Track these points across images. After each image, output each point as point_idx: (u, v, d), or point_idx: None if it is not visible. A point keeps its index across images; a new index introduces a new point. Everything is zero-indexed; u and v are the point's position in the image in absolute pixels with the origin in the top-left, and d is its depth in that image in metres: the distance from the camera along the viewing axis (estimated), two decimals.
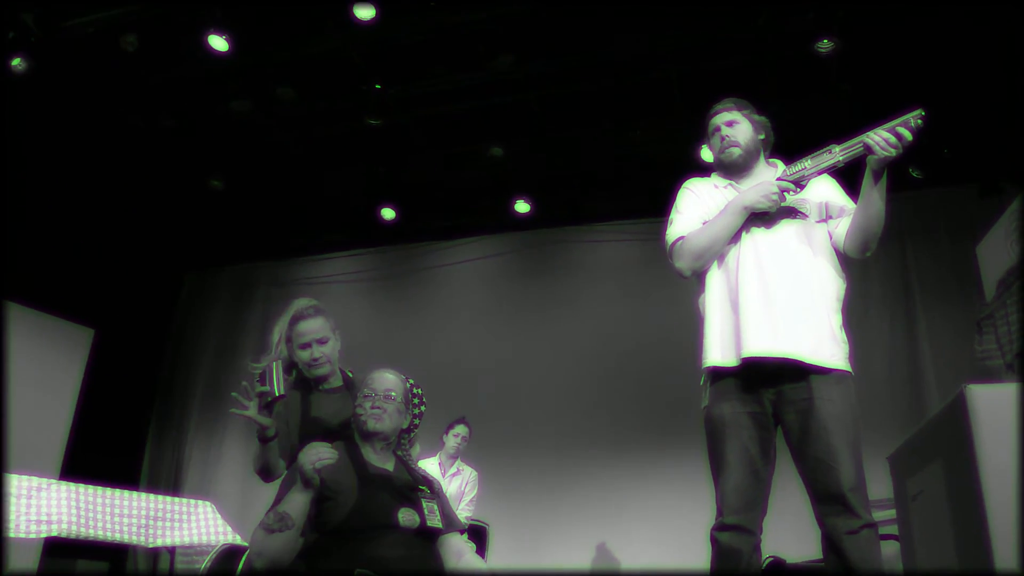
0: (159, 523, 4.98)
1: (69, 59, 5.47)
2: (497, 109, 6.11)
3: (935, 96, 5.58)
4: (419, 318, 7.31)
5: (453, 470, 5.44)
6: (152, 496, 5.14)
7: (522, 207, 6.86)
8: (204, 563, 4.49)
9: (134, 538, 4.83)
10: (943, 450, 1.23)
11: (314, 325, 2.98)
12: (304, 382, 3.04)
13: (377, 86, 5.73)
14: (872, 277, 6.33)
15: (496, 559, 5.60)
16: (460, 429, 5.44)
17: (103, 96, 5.88)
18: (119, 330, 7.21)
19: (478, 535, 5.46)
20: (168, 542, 5.05)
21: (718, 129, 2.75)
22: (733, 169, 2.74)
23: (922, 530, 1.38)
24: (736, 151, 2.71)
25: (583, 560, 6.20)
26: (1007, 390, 1.13)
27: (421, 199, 7.12)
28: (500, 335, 7.07)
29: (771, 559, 4.27)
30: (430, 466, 5.27)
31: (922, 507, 1.35)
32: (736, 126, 2.74)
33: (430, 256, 7.50)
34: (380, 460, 2.52)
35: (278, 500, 2.41)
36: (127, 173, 6.71)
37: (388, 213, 7.05)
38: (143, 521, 4.90)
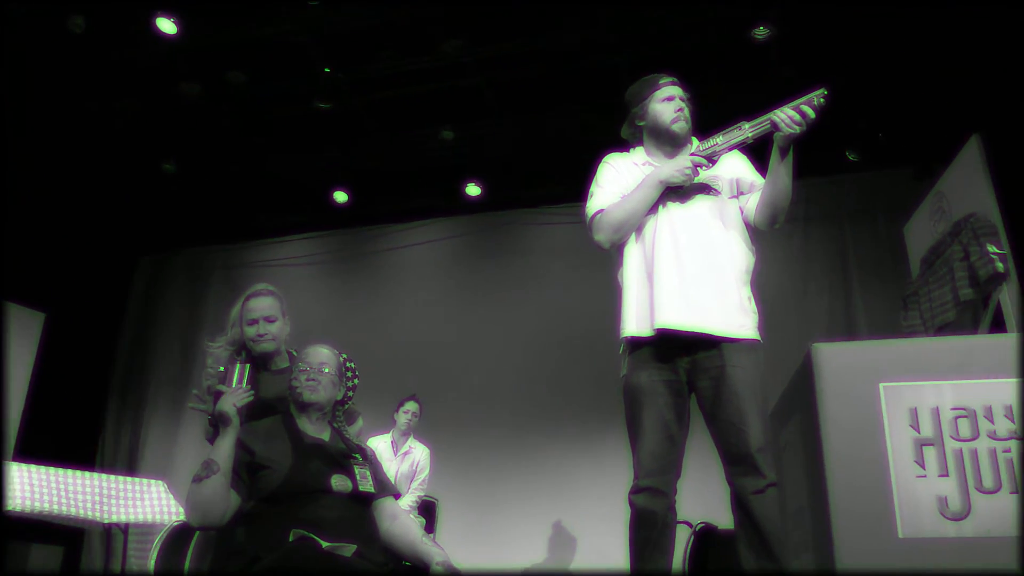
0: (112, 501, 5.03)
1: (16, 41, 5.44)
2: (447, 93, 6.18)
3: (871, 81, 5.80)
4: (372, 300, 7.38)
5: (405, 448, 5.51)
6: (105, 475, 5.18)
7: (473, 190, 6.95)
8: (155, 541, 4.56)
9: (87, 513, 4.88)
10: (798, 404, 1.37)
11: (264, 303, 3.10)
12: (253, 363, 3.13)
13: (327, 70, 5.77)
14: (813, 256, 6.54)
15: (445, 534, 5.72)
16: (410, 406, 5.53)
17: (51, 78, 5.85)
18: (72, 314, 7.18)
19: (427, 510, 5.57)
20: (121, 519, 5.10)
21: (673, 99, 2.80)
22: (672, 141, 2.81)
23: (788, 477, 1.53)
24: (687, 126, 2.80)
25: (533, 536, 6.34)
26: (849, 347, 1.26)
27: (373, 182, 7.17)
28: (453, 316, 7.18)
29: (702, 525, 4.44)
30: (381, 444, 5.36)
31: (788, 456, 1.49)
32: (687, 105, 2.84)
33: (383, 239, 7.56)
34: (315, 431, 2.62)
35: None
36: (78, 156, 6.67)
37: (340, 196, 7.10)
38: (96, 499, 4.95)
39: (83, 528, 6.46)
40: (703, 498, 3.97)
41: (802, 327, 6.03)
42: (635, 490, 2.55)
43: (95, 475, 5.12)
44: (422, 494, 5.50)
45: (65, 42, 5.40)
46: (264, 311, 3.08)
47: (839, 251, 6.51)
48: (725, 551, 4.13)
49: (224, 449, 2.44)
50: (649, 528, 2.50)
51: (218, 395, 2.66)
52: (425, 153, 6.80)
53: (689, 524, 4.39)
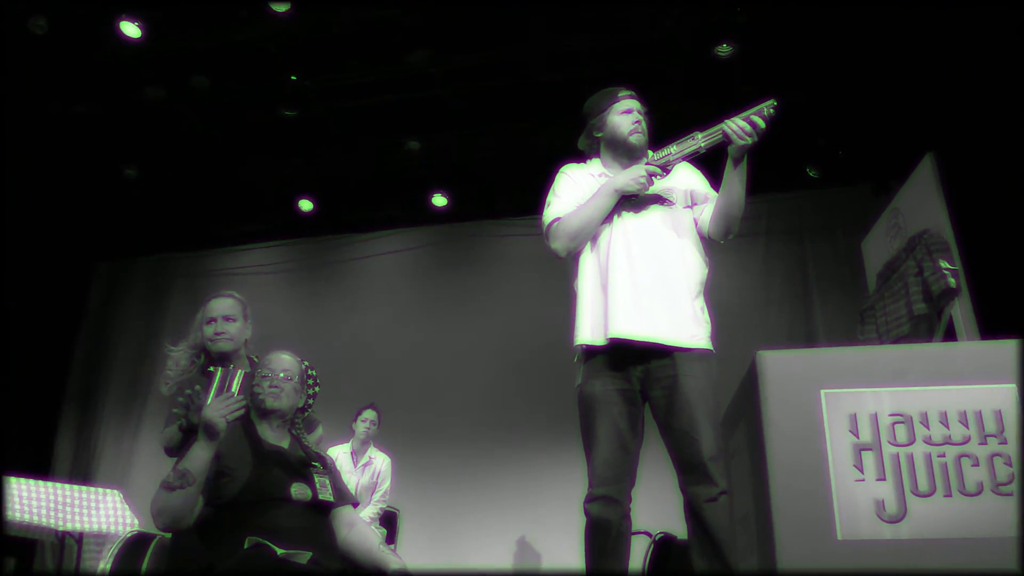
0: (66, 510, 4.95)
1: None
2: (414, 103, 6.20)
3: (831, 99, 5.92)
4: (337, 309, 7.35)
5: (364, 459, 5.45)
6: (59, 484, 5.09)
7: (439, 201, 6.96)
8: (111, 551, 4.49)
9: (41, 521, 4.79)
10: (745, 411, 1.41)
11: (224, 303, 3.09)
12: (213, 366, 3.11)
13: (293, 77, 5.76)
14: (774, 269, 6.64)
15: (406, 545, 5.70)
16: (368, 414, 5.48)
17: (11, 79, 5.76)
18: (27, 320, 7.06)
19: (389, 521, 5.54)
20: (75, 527, 5.01)
21: (631, 111, 2.84)
22: (629, 153, 2.85)
23: (737, 483, 1.56)
24: (644, 138, 2.84)
25: (495, 547, 6.34)
26: (792, 355, 1.30)
27: (339, 191, 7.16)
28: (417, 327, 7.17)
29: (662, 535, 4.48)
30: (341, 455, 5.32)
31: (737, 462, 1.52)
32: (645, 118, 2.88)
33: (348, 248, 7.53)
34: (275, 438, 2.61)
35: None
36: (38, 159, 6.58)
37: (306, 205, 7.08)
38: (50, 507, 4.86)
39: (36, 538, 6.34)
40: (663, 508, 4.00)
41: (763, 339, 6.11)
42: (589, 498, 2.56)
43: (49, 484, 5.03)
44: (384, 505, 5.44)
45: (26, 43, 5.33)
46: (223, 311, 3.07)
47: (800, 265, 6.62)
48: (684, 560, 4.16)
49: (201, 461, 2.38)
50: (604, 536, 2.52)
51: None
52: (391, 163, 6.80)
53: (649, 534, 4.42)
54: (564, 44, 5.63)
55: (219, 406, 2.42)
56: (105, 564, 4.41)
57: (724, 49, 5.29)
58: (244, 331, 3.10)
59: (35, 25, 5.16)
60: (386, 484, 5.48)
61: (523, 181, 6.88)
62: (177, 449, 2.95)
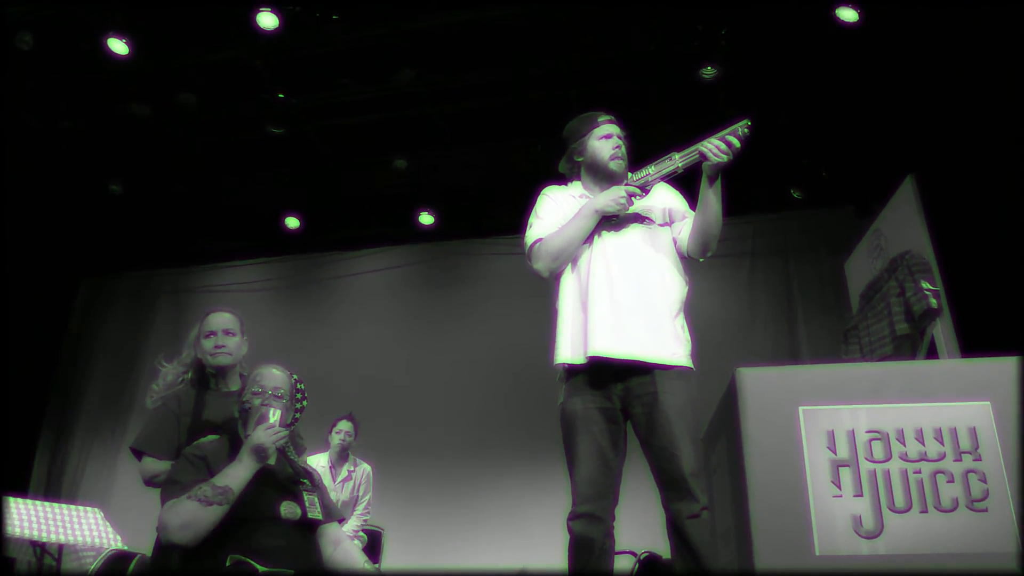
0: (45, 526, 4.91)
1: None
2: (401, 122, 6.23)
3: (815, 122, 5.99)
4: (323, 327, 7.33)
5: (343, 474, 5.31)
6: (39, 502, 5.05)
7: (426, 219, 6.98)
8: (92, 567, 4.46)
9: (17, 531, 4.74)
10: (725, 428, 1.42)
11: (224, 317, 3.08)
12: (202, 382, 3.09)
13: (280, 95, 5.78)
14: (758, 288, 6.69)
15: (390, 563, 5.66)
16: (343, 425, 5.32)
17: None
18: (8, 335, 6.99)
19: (372, 540, 5.49)
20: (54, 540, 4.96)
21: (611, 136, 2.89)
22: (609, 178, 2.89)
23: (718, 499, 1.57)
24: (624, 163, 2.89)
25: (477, 563, 6.30)
26: (771, 372, 1.32)
27: (325, 209, 7.17)
28: (403, 345, 7.16)
29: (647, 554, 4.48)
30: (319, 468, 5.24)
31: (717, 478, 1.54)
32: (624, 143, 2.93)
33: (334, 266, 7.53)
34: None
35: (172, 480, 2.46)
36: (22, 174, 6.55)
37: (292, 222, 7.08)
38: (29, 523, 4.82)
39: (14, 557, 6.26)
40: (648, 527, 4.00)
41: (747, 357, 6.12)
42: (573, 516, 2.57)
43: (28, 501, 4.99)
44: (368, 517, 5.37)
45: (11, 58, 5.32)
46: (223, 325, 3.05)
47: (784, 285, 6.67)
48: None
49: (242, 480, 2.37)
50: (587, 553, 2.52)
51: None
52: (378, 181, 6.82)
53: (634, 553, 4.42)
54: (550, 65, 5.68)
55: (267, 432, 2.44)
56: None
57: (708, 72, 5.35)
58: (242, 346, 3.08)
59: (21, 41, 5.16)
60: (367, 496, 5.36)
61: (509, 200, 6.92)
62: (158, 482, 2.90)
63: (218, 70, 5.70)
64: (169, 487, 2.44)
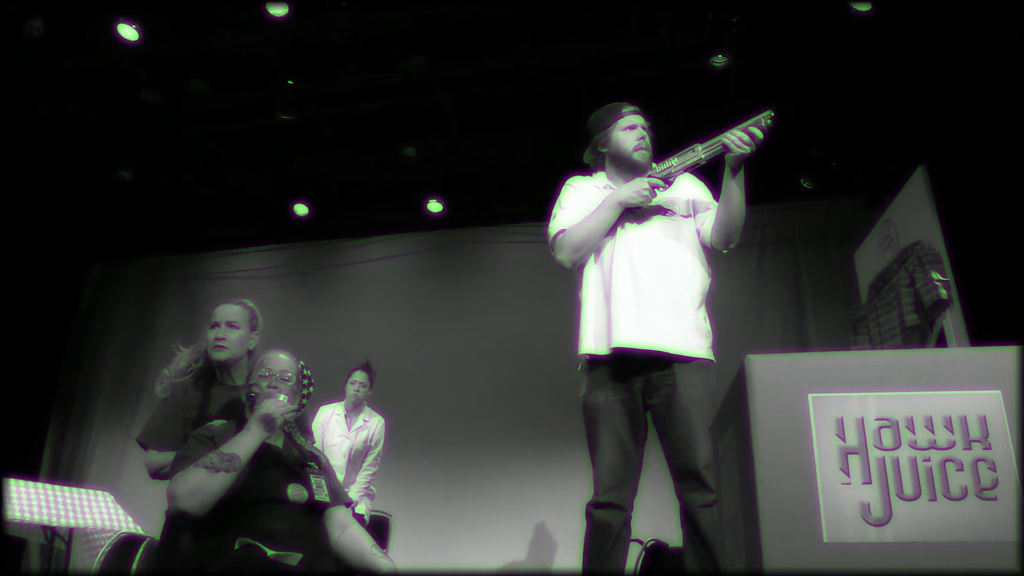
0: (56, 510, 4.94)
1: None
2: (410, 109, 6.23)
3: (825, 111, 5.96)
4: (331, 315, 7.35)
5: (359, 423, 5.29)
6: (49, 485, 5.08)
7: (435, 207, 6.98)
8: (102, 550, 4.49)
9: (30, 519, 4.78)
10: (733, 415, 1.42)
11: (230, 310, 3.05)
12: (208, 375, 3.08)
13: (290, 82, 5.78)
14: (768, 279, 6.67)
15: (398, 551, 5.68)
16: (357, 376, 5.32)
17: (7, 81, 5.77)
18: (18, 321, 7.03)
19: (380, 527, 5.51)
20: (64, 524, 4.99)
21: (635, 127, 2.90)
22: (632, 169, 2.89)
23: (725, 487, 1.57)
24: (648, 154, 2.89)
25: (488, 553, 6.32)
26: (781, 359, 1.31)
27: (334, 196, 7.17)
28: (411, 332, 7.17)
29: (653, 543, 4.49)
30: (333, 416, 5.26)
31: (725, 467, 1.54)
32: (648, 134, 2.92)
33: (343, 253, 7.54)
34: (271, 437, 2.60)
35: (181, 457, 2.47)
36: (31, 160, 6.58)
37: (301, 209, 7.08)
38: (39, 507, 4.85)
39: (25, 538, 6.31)
40: (654, 516, 4.03)
41: (756, 347, 6.11)
42: (594, 504, 2.62)
43: (39, 484, 5.02)
44: (376, 469, 5.32)
45: (22, 45, 5.33)
46: (227, 317, 3.03)
47: (793, 275, 6.65)
48: (675, 568, 4.18)
49: (249, 448, 2.41)
50: (604, 540, 2.56)
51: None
52: (387, 168, 6.82)
53: (640, 541, 4.43)
54: (559, 53, 5.66)
55: (276, 403, 2.48)
56: (95, 564, 4.40)
57: (719, 60, 5.32)
58: (247, 341, 3.05)
59: (31, 27, 5.16)
60: (379, 447, 5.33)
61: (518, 188, 6.94)
62: (164, 474, 2.91)
63: (228, 56, 5.70)
64: (178, 463, 2.46)
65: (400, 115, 6.29)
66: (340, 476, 4.91)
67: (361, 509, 5.04)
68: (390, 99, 6.09)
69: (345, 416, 5.28)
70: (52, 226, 7.27)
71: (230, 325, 3.02)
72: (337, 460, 5.05)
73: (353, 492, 5.06)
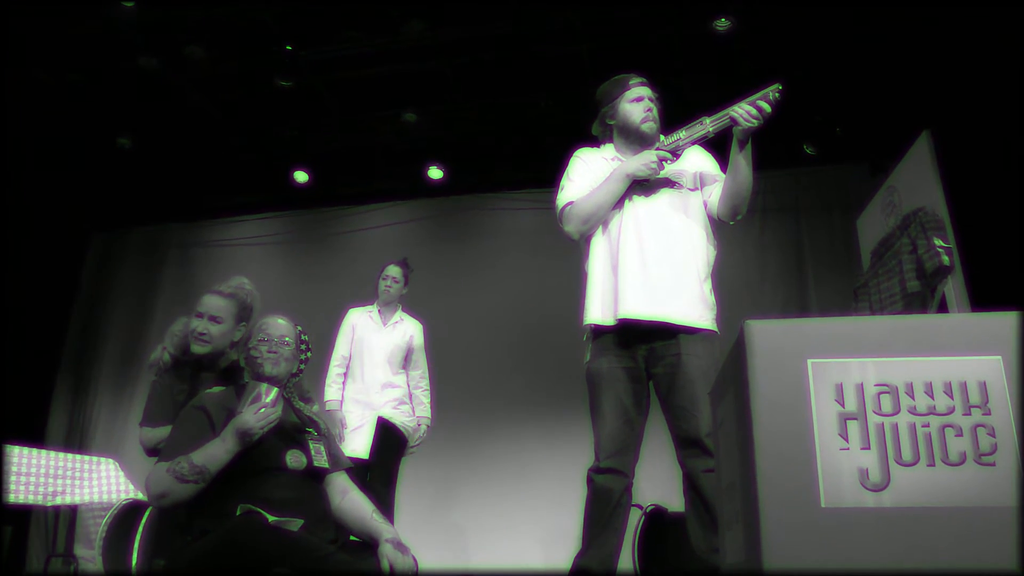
0: (60, 481, 4.98)
1: None
2: (410, 75, 6.17)
3: (829, 77, 5.90)
4: (332, 282, 7.34)
5: (395, 318, 4.96)
6: (54, 453, 5.12)
7: (435, 173, 6.94)
8: (105, 519, 4.53)
9: (34, 495, 4.83)
10: (732, 381, 1.42)
11: (215, 302, 3.00)
12: (184, 363, 3.08)
13: (288, 47, 5.71)
14: (769, 247, 6.64)
15: (401, 519, 5.72)
16: (390, 271, 4.99)
17: (3, 48, 5.71)
18: (21, 290, 7.05)
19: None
20: (69, 500, 5.05)
21: (643, 99, 2.89)
22: (640, 141, 2.88)
23: (723, 453, 1.58)
24: (656, 126, 2.89)
25: (489, 518, 6.38)
26: (780, 325, 1.31)
27: (334, 163, 7.13)
28: (412, 300, 7.16)
29: (653, 508, 4.52)
30: (365, 315, 4.97)
31: (724, 433, 1.54)
32: (656, 105, 2.91)
33: (343, 220, 7.51)
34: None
35: (171, 437, 2.50)
36: (30, 128, 6.54)
37: (301, 176, 7.05)
38: (45, 477, 4.90)
39: (31, 506, 6.37)
40: (654, 482, 4.06)
41: (757, 316, 6.13)
42: (595, 470, 2.65)
43: (44, 452, 5.06)
44: (426, 385, 4.98)
45: (17, 10, 5.27)
46: (212, 310, 2.98)
47: (795, 242, 6.63)
48: (675, 533, 4.21)
49: (220, 462, 2.36)
50: (605, 506, 2.59)
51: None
52: (387, 135, 6.78)
53: (640, 507, 4.46)
54: (561, 17, 5.59)
55: (255, 415, 2.40)
56: (100, 530, 4.44)
57: (723, 23, 5.26)
58: (229, 335, 3.00)
59: None
60: (423, 354, 4.99)
61: (519, 154, 6.91)
62: (160, 449, 2.93)
63: (225, 22, 5.63)
64: (171, 438, 2.49)
65: (400, 81, 6.23)
66: (379, 375, 4.75)
67: (424, 411, 4.89)
68: (390, 64, 6.02)
69: (379, 313, 4.95)
70: (53, 195, 7.26)
71: (213, 319, 2.97)
72: (376, 357, 4.80)
73: (419, 412, 4.88)
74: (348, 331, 4.92)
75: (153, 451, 2.95)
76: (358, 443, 4.61)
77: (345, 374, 4.84)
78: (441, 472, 6.57)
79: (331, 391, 4.78)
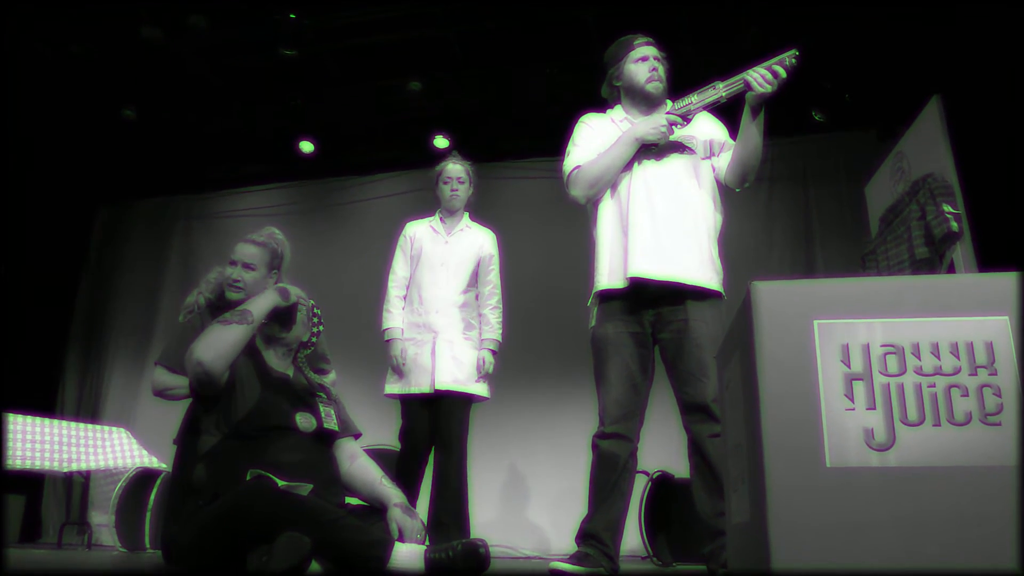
0: (73, 448, 5.05)
1: None
2: (415, 43, 6.12)
3: (838, 42, 5.83)
4: (337, 252, 7.36)
5: (461, 225, 4.23)
6: (66, 423, 5.18)
7: (441, 143, 6.90)
8: (119, 484, 4.59)
9: (47, 464, 4.90)
10: (739, 342, 1.42)
11: (249, 250, 3.10)
12: (219, 307, 3.11)
13: (292, 16, 5.67)
14: (777, 214, 6.61)
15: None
16: (451, 171, 4.21)
17: (6, 20, 5.69)
18: (31, 262, 7.08)
19: (387, 460, 5.55)
20: (82, 467, 5.12)
21: (647, 59, 2.87)
22: (647, 101, 2.87)
23: (730, 414, 1.59)
24: (662, 86, 2.87)
25: (490, 483, 6.43)
26: (786, 285, 1.31)
27: (339, 133, 7.10)
28: None
29: (659, 473, 4.55)
30: (420, 228, 4.29)
31: (731, 393, 1.54)
32: (662, 65, 2.89)
33: (349, 190, 7.50)
34: (280, 366, 2.63)
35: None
36: (34, 102, 6.52)
37: (306, 146, 7.03)
38: (57, 446, 4.96)
39: (44, 475, 6.45)
40: (661, 448, 4.08)
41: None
42: (600, 435, 2.66)
43: (56, 422, 5.11)
44: (499, 310, 4.24)
45: None
46: (245, 257, 3.07)
47: (802, 208, 6.59)
48: (681, 498, 4.25)
49: (262, 308, 2.48)
50: (610, 471, 2.61)
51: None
52: (392, 104, 6.74)
53: (646, 473, 4.50)
54: None
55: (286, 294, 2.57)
56: (113, 498, 4.50)
57: None
58: (264, 282, 3.07)
59: None
60: (495, 270, 4.22)
61: (525, 123, 6.86)
62: (168, 395, 3.01)
63: None
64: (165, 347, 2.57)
65: (404, 49, 6.19)
66: (441, 293, 4.07)
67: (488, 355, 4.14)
68: (394, 32, 5.97)
69: (441, 221, 4.24)
70: (60, 167, 7.26)
71: (247, 266, 3.07)
72: (438, 274, 4.11)
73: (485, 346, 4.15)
74: (406, 246, 4.23)
75: (162, 394, 3.02)
76: (422, 377, 3.98)
77: (405, 297, 4.18)
78: None
79: (390, 318, 4.12)
